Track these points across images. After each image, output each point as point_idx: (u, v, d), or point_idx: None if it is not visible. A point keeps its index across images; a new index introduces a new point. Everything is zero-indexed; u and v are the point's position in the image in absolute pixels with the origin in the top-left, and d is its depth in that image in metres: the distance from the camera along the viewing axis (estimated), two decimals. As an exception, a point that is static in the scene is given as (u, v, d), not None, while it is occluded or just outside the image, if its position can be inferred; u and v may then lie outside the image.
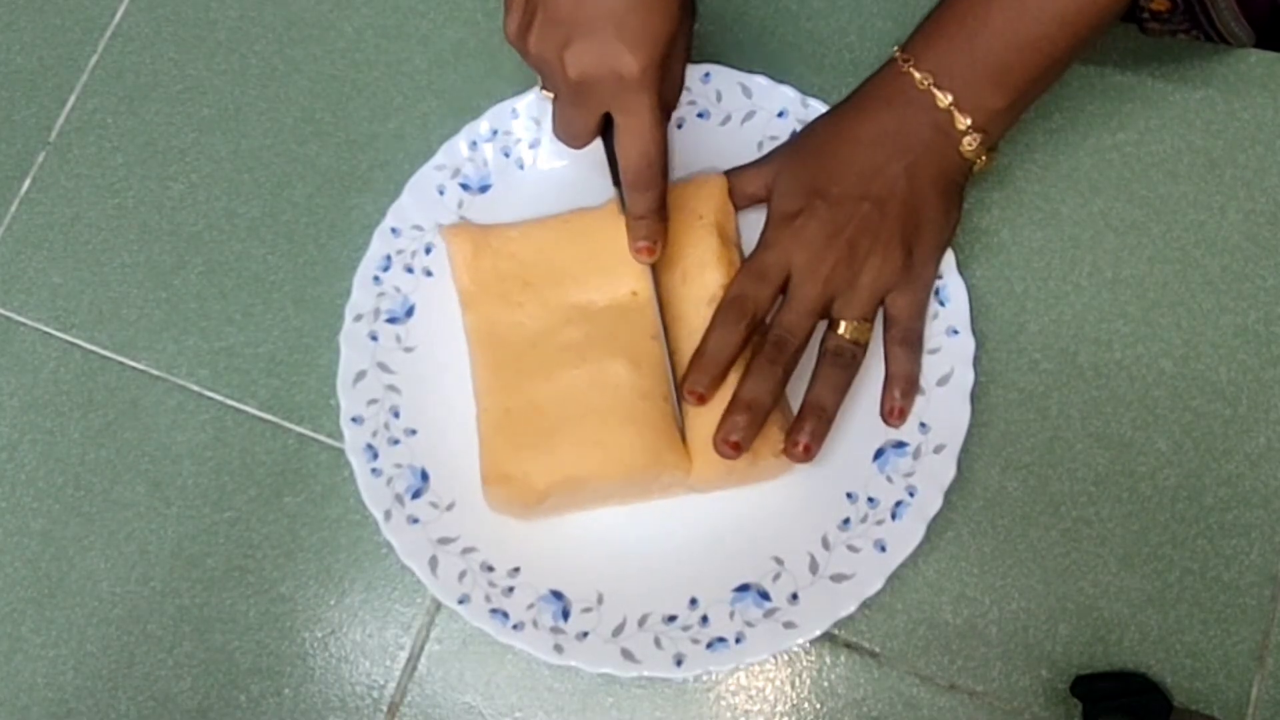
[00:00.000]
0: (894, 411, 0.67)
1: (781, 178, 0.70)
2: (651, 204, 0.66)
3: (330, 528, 0.74)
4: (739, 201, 0.72)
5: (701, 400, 0.66)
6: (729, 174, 0.72)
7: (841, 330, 0.67)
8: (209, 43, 0.85)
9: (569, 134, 0.67)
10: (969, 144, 0.66)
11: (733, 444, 0.65)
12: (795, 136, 0.73)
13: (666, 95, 0.67)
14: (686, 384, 0.66)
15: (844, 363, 0.67)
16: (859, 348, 0.68)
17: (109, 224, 0.82)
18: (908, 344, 0.68)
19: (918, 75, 0.66)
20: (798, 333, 0.67)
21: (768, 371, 0.66)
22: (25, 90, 0.86)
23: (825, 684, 0.68)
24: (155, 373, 0.78)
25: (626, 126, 0.64)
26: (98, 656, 0.74)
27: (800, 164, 0.70)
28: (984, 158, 0.67)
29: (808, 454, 0.66)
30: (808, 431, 0.66)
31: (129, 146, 0.84)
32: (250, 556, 0.74)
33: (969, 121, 0.66)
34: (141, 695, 0.73)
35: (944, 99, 0.65)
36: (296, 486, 0.75)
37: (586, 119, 0.66)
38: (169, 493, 0.76)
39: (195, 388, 0.77)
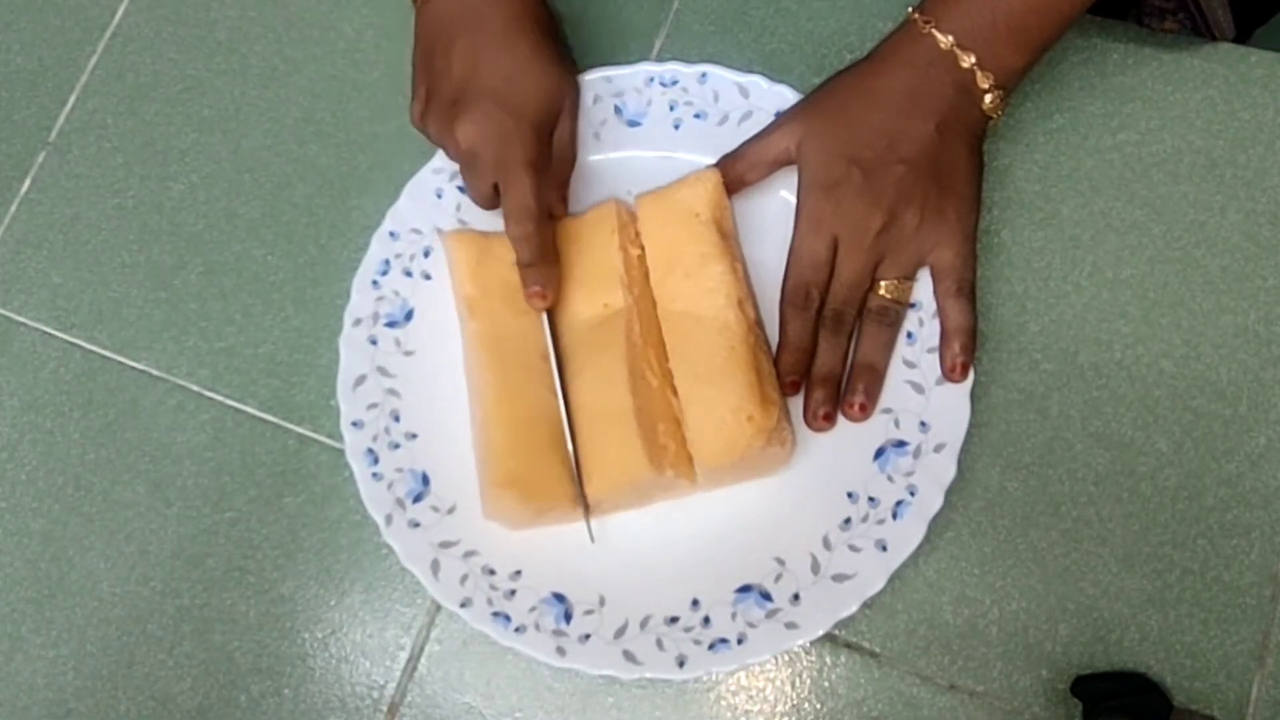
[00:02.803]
0: (955, 367, 0.67)
1: (809, 143, 0.70)
2: (533, 253, 0.68)
3: (330, 528, 0.73)
4: (761, 170, 0.72)
5: (796, 387, 0.69)
6: (747, 144, 0.72)
7: (883, 290, 0.69)
8: (209, 43, 0.84)
9: (477, 198, 0.72)
10: (990, 100, 0.68)
11: (824, 416, 0.68)
12: (811, 96, 0.72)
13: (557, 152, 0.72)
14: (781, 375, 0.68)
15: (889, 321, 0.69)
16: (901, 306, 0.69)
17: (109, 224, 0.81)
18: (961, 295, 0.68)
19: (940, 37, 0.67)
20: (851, 304, 0.69)
21: (833, 344, 0.69)
22: (25, 90, 0.85)
23: (825, 684, 0.67)
24: (155, 373, 0.77)
25: (503, 184, 0.68)
26: (98, 656, 0.73)
27: (828, 128, 0.70)
28: (1000, 112, 0.69)
29: (864, 413, 0.68)
30: (861, 391, 0.68)
31: (129, 146, 0.83)
32: (250, 557, 0.73)
33: (990, 80, 0.67)
34: (141, 695, 0.72)
35: (967, 60, 0.67)
36: (297, 487, 0.74)
37: (484, 183, 0.70)
38: (169, 493, 0.75)
39: (195, 388, 0.77)
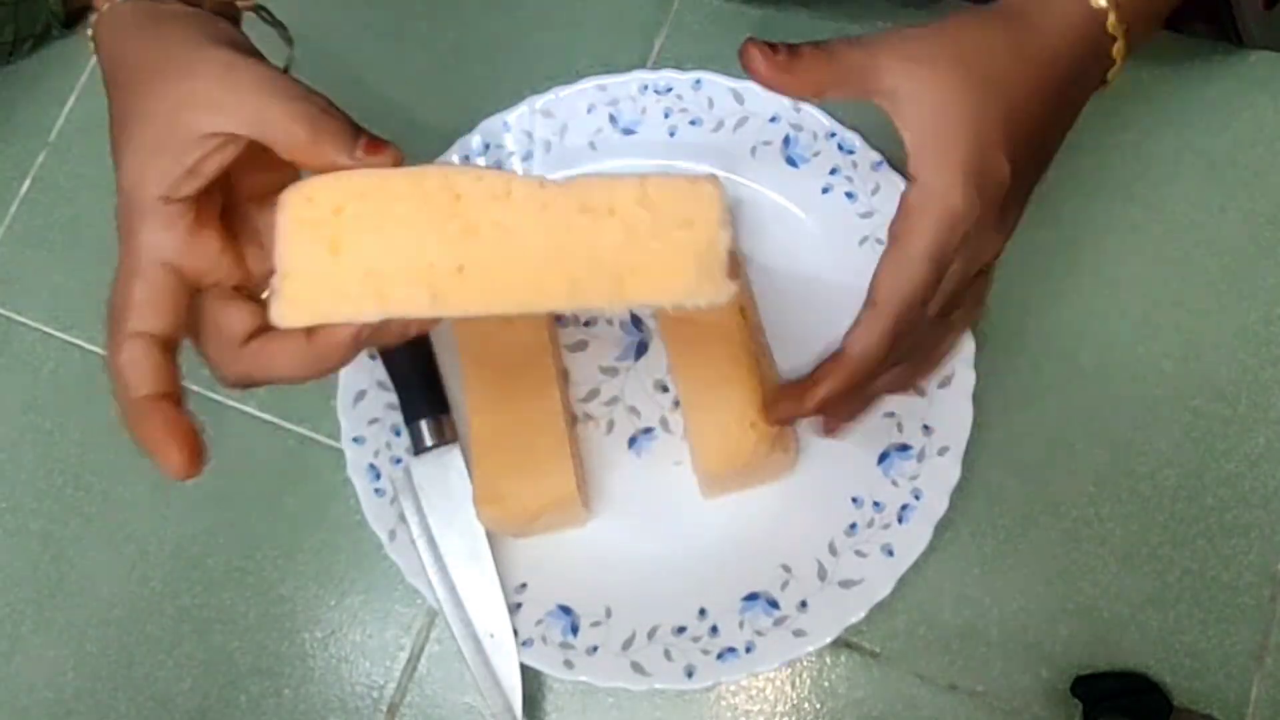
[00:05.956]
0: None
1: (954, 109, 0.48)
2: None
3: (330, 528, 0.69)
4: (845, 92, 0.50)
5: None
6: (839, 48, 0.49)
7: None
8: (209, 43, 0.79)
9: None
10: (1114, 71, 0.52)
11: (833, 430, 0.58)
12: (945, 36, 0.49)
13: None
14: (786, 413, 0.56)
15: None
16: None
17: (109, 224, 0.74)
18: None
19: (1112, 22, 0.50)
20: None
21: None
22: (25, 90, 0.81)
23: (825, 684, 0.63)
24: (155, 373, 0.73)
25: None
26: (98, 656, 0.69)
27: (978, 100, 0.48)
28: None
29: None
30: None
31: (129, 146, 0.78)
32: (250, 557, 0.69)
33: (1123, 49, 0.51)
34: (141, 695, 0.68)
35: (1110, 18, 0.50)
36: (297, 487, 0.70)
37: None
38: (169, 493, 0.71)
39: (195, 388, 0.70)
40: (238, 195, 0.49)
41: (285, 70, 0.54)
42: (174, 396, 0.45)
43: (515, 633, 0.62)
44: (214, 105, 0.44)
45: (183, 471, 0.44)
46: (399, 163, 0.48)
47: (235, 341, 0.46)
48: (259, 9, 0.56)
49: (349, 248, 0.45)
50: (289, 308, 0.45)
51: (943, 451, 0.62)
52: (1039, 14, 0.50)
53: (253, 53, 0.48)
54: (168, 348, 0.46)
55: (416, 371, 0.66)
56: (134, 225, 0.46)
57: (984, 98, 0.48)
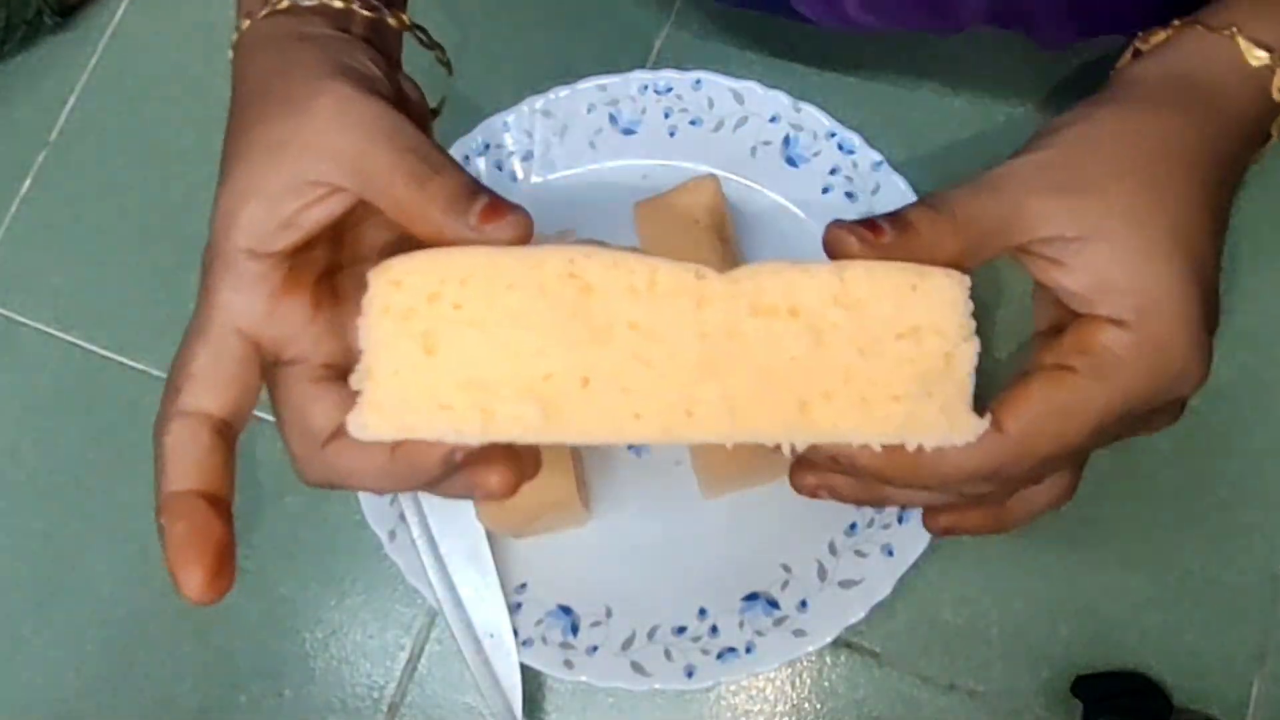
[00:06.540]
0: None
1: (1164, 293, 0.39)
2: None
3: (331, 528, 0.68)
4: (991, 255, 0.40)
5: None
6: (968, 199, 0.40)
7: None
8: (209, 43, 0.79)
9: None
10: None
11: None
12: (1189, 208, 0.39)
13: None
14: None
15: None
16: None
17: (109, 224, 0.76)
18: None
19: (1254, 52, 0.41)
20: None
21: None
22: (25, 90, 0.80)
23: (825, 684, 0.63)
24: (155, 373, 0.72)
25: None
26: (98, 656, 0.68)
27: (1183, 263, 0.39)
28: None
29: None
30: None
31: (129, 146, 0.78)
32: (250, 557, 0.68)
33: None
34: (142, 696, 0.67)
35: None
36: (297, 487, 0.67)
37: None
38: (169, 493, 0.70)
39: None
40: (353, 251, 0.41)
41: (439, 106, 0.50)
42: (216, 497, 0.38)
43: (515, 633, 0.61)
44: (320, 148, 0.37)
45: (199, 596, 0.38)
46: (525, 235, 0.37)
47: (317, 439, 0.38)
48: (414, 28, 0.49)
49: (447, 347, 0.36)
50: (371, 418, 0.36)
51: (943, 451, 0.61)
52: (1182, 87, 0.40)
53: (377, 89, 0.40)
54: (223, 434, 0.38)
55: None
56: (214, 280, 0.38)
57: (1183, 224, 0.38)
